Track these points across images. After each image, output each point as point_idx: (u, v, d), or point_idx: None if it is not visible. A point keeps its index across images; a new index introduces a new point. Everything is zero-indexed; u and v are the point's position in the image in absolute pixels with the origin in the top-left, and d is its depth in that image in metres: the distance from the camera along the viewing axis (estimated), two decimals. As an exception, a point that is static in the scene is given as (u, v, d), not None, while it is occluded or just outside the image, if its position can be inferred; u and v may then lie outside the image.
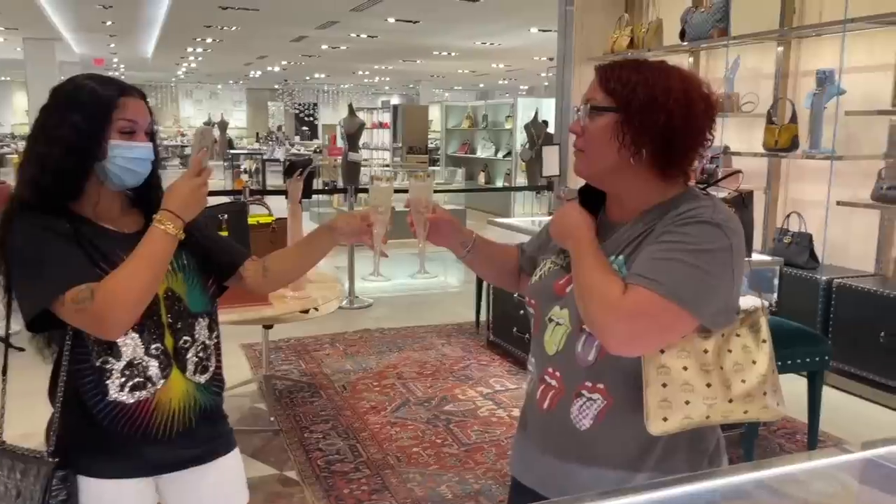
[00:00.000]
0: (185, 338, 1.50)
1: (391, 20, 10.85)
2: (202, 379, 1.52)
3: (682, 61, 5.41)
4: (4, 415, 1.51)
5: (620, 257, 1.27)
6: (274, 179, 14.35)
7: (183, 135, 24.82)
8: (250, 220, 3.03)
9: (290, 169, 2.99)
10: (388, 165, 14.85)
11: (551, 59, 15.31)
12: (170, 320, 1.48)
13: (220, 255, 1.61)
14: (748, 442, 3.00)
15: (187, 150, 22.93)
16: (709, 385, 1.19)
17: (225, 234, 2.67)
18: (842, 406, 3.83)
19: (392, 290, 6.87)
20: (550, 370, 1.33)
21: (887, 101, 4.01)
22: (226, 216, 2.73)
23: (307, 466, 3.19)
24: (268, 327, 3.83)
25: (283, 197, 3.19)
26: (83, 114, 1.39)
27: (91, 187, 1.44)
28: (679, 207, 1.24)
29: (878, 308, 3.78)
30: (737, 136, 4.95)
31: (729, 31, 4.75)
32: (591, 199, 1.37)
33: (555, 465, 1.31)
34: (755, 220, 3.63)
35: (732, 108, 4.74)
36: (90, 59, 18.39)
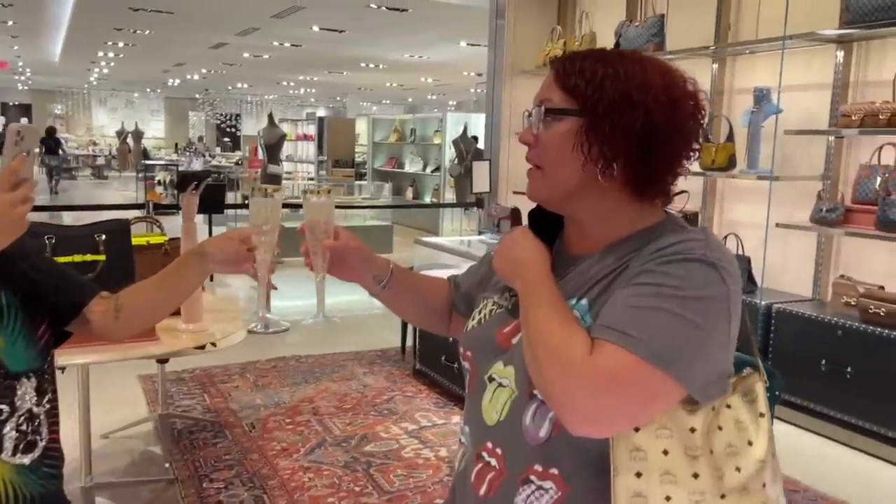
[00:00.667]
0: (2, 407, 1.13)
1: (315, 28, 10.47)
2: (26, 460, 1.15)
3: (616, 76, 5.25)
4: None
5: (584, 301, 0.97)
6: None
7: (95, 144, 23.63)
8: (137, 241, 2.61)
9: (184, 182, 2.58)
10: (312, 178, 14.38)
11: (480, 75, 15.22)
12: None
13: (56, 293, 1.24)
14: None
15: (99, 160, 21.84)
16: (696, 476, 0.90)
17: (100, 258, 2.25)
18: (782, 437, 3.65)
19: (311, 312, 6.45)
20: (490, 445, 1.02)
21: (824, 120, 3.91)
22: (103, 236, 2.31)
23: (204, 524, 2.77)
24: (162, 361, 3.38)
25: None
26: None
27: None
28: (661, 239, 0.95)
29: (818, 334, 3.64)
30: (671, 154, 4.80)
31: (664, 46, 4.61)
32: (544, 223, 1.07)
33: None
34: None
35: (668, 125, 4.58)
36: (-8, 62, 17.25)
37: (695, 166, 4.29)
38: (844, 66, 3.85)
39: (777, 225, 3.94)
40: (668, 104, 0.95)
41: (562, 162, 0.98)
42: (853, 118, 3.56)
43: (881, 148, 3.59)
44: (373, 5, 8.63)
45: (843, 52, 3.84)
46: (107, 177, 21.21)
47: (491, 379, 1.04)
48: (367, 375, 4.56)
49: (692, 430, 0.91)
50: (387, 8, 8.72)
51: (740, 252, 4.22)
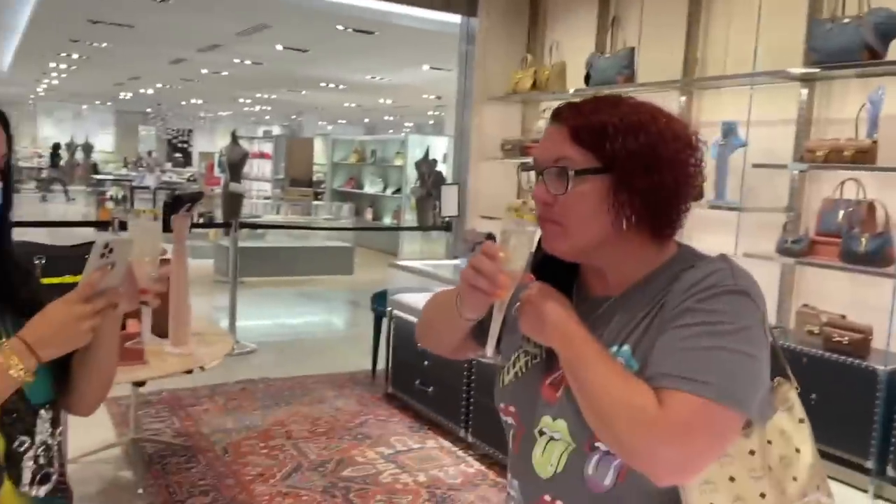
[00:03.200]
0: (22, 438, 1.11)
1: (279, 47, 10.43)
2: (42, 491, 1.13)
3: (585, 106, 5.36)
4: None
5: (625, 347, 0.99)
6: (143, 207, 13.38)
7: (40, 156, 22.92)
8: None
9: (177, 203, 2.55)
10: (269, 198, 14.22)
11: (440, 98, 15.36)
12: (1, 416, 1.08)
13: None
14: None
15: (44, 174, 21.18)
16: (763, 495, 0.95)
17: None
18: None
19: (277, 333, 6.38)
20: (547, 498, 1.03)
21: (788, 155, 4.07)
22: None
23: (183, 553, 2.70)
24: (139, 384, 3.31)
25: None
26: None
27: None
28: (688, 274, 0.98)
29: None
30: (640, 183, 4.93)
31: (635, 78, 4.74)
32: (552, 268, 1.07)
33: None
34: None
35: (638, 155, 4.70)
36: (-67, 68, 16.63)
37: (664, 195, 4.44)
38: (808, 104, 4.02)
39: (744, 255, 4.07)
40: (682, 151, 1.00)
41: (589, 219, 0.99)
42: (818, 153, 3.71)
43: (843, 183, 3.75)
44: (340, 27, 8.65)
45: (807, 90, 4.01)
46: (52, 190, 20.60)
47: (541, 433, 1.04)
48: (338, 399, 4.52)
49: (751, 452, 0.96)
50: (354, 30, 8.76)
51: (708, 280, 4.34)
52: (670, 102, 4.76)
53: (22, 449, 1.10)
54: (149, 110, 26.39)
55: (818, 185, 4.04)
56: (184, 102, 23.02)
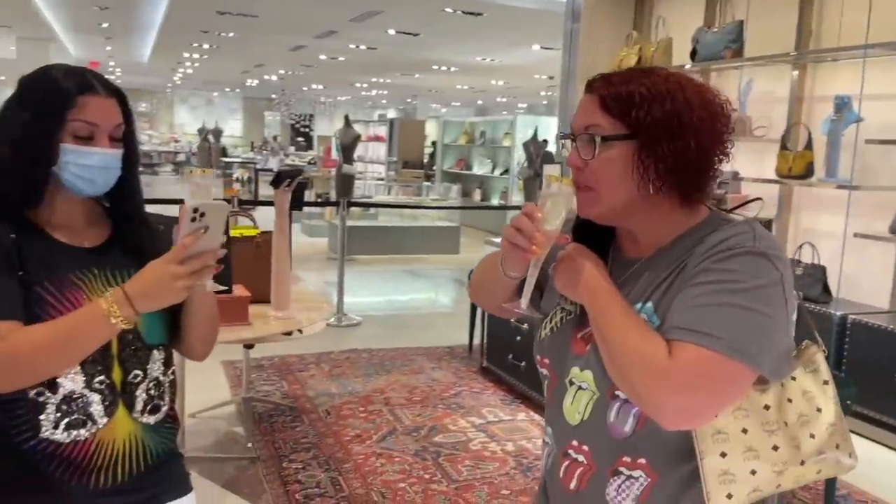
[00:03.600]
0: (136, 372, 1.28)
1: (391, 32, 10.69)
2: (152, 420, 1.31)
3: (691, 82, 5.23)
4: None
5: (649, 304, 1.04)
6: (267, 189, 14.16)
7: (176, 141, 24.60)
8: (232, 233, 2.80)
9: (278, 179, 2.76)
10: (381, 179, 14.66)
11: (552, 78, 15.22)
12: (120, 351, 1.26)
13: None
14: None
15: (180, 157, 22.74)
16: (776, 448, 0.99)
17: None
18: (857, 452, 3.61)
19: (382, 308, 6.64)
20: (575, 443, 1.10)
21: (907, 130, 3.83)
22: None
23: (284, 500, 2.95)
24: (249, 347, 3.59)
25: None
26: (35, 111, 1.20)
27: (49, 193, 1.23)
28: (711, 237, 1.02)
29: (894, 348, 3.57)
30: (748, 161, 4.76)
31: (743, 53, 4.58)
32: (592, 232, 1.13)
33: None
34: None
35: (744, 131, 4.55)
36: (86, 61, 18.17)
37: (770, 173, 4.29)
38: (931, 75, 3.77)
39: (855, 235, 3.88)
40: (709, 119, 1.03)
41: (617, 183, 1.04)
42: (938, 128, 3.49)
43: (968, 159, 3.51)
44: (448, 10, 8.77)
45: (929, 61, 3.76)
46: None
47: (571, 383, 1.12)
48: (435, 370, 4.69)
49: (766, 407, 1.00)
50: (462, 12, 8.86)
51: (815, 261, 4.17)
52: (781, 77, 4.58)
53: (136, 381, 1.28)
54: (273, 96, 27.67)
55: (941, 161, 3.79)
56: (305, 88, 23.99)
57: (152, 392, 1.31)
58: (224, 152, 20.45)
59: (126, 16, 10.95)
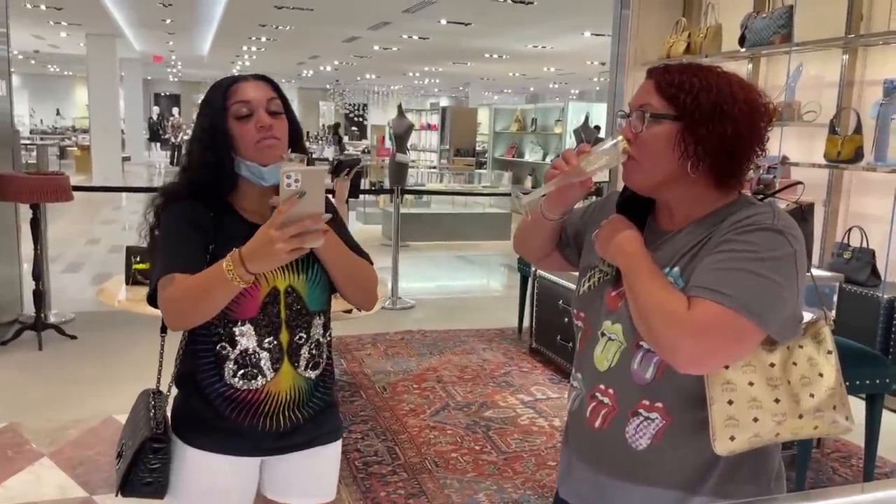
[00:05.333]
0: (301, 334, 1.50)
1: (443, 22, 10.85)
2: (313, 374, 1.53)
3: (742, 68, 5.25)
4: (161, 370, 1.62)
5: (676, 269, 1.20)
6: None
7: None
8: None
9: (338, 168, 2.97)
10: (434, 167, 14.86)
11: (603, 64, 15.14)
12: (287, 317, 1.48)
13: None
14: (801, 465, 2.88)
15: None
16: (777, 401, 1.13)
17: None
18: (901, 431, 3.65)
19: (435, 292, 6.85)
20: (602, 387, 1.26)
21: (960, 113, 3.82)
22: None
23: (345, 467, 3.17)
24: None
25: (331, 196, 3.17)
26: (206, 111, 1.47)
27: (241, 181, 1.48)
28: (736, 214, 1.17)
29: (943, 330, 3.60)
30: (796, 145, 4.78)
31: (792, 38, 4.59)
32: (635, 207, 1.30)
33: (607, 485, 1.26)
34: (814, 233, 3.49)
35: (793, 116, 4.58)
36: (150, 56, 18.86)
37: (819, 158, 4.31)
38: (984, 57, 3.75)
39: (903, 219, 3.89)
40: (748, 112, 1.18)
41: (660, 157, 1.20)
42: None
43: None
44: (499, -1, 8.89)
45: (982, 43, 3.74)
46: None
47: (602, 334, 1.28)
48: (486, 351, 4.87)
49: (771, 364, 1.14)
50: (513, 1, 8.96)
51: (864, 245, 4.19)
52: (831, 62, 4.59)
53: (300, 342, 1.50)
54: (328, 86, 28.16)
55: None
56: (359, 78, 24.37)
57: (314, 351, 1.52)
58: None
59: (187, 11, 11.37)
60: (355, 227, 10.10)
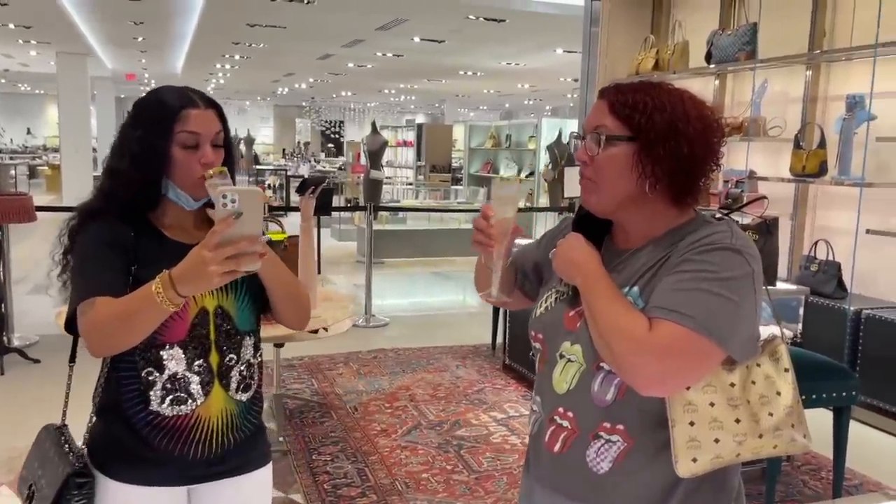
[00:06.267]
0: (231, 356, 1.46)
1: (417, 39, 10.89)
2: (244, 397, 1.49)
3: (709, 84, 5.32)
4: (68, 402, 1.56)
5: (635, 289, 1.19)
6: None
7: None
8: (262, 237, 2.98)
9: (303, 186, 2.95)
10: (410, 183, 14.86)
11: (576, 81, 15.30)
12: (217, 338, 1.44)
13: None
14: (771, 479, 2.88)
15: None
16: (738, 421, 1.13)
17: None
18: (869, 442, 3.68)
19: (409, 309, 6.81)
20: (561, 410, 1.24)
21: (921, 127, 3.89)
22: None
23: (313, 490, 3.12)
24: (279, 345, 3.78)
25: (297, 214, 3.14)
26: (147, 128, 1.40)
27: (164, 199, 1.43)
28: (694, 233, 1.17)
29: (908, 341, 3.64)
30: (763, 160, 4.84)
31: (756, 55, 4.66)
32: (591, 226, 1.28)
33: None
34: (780, 247, 3.52)
35: (759, 132, 4.64)
36: (122, 74, 18.70)
37: (786, 172, 4.37)
38: (941, 73, 3.82)
39: (868, 231, 3.95)
40: (702, 130, 1.18)
41: (617, 179, 1.19)
42: (947, 125, 3.55)
43: (978, 155, 3.56)
44: (472, 17, 8.93)
45: (939, 59, 3.82)
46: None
47: (561, 356, 1.26)
48: (459, 368, 4.85)
49: (731, 384, 1.14)
50: (485, 19, 9.02)
51: (830, 258, 4.24)
52: (795, 77, 4.66)
53: (231, 364, 1.46)
54: (304, 104, 28.12)
55: (954, 158, 3.84)
56: (335, 95, 24.37)
57: (245, 373, 1.48)
58: (256, 160, 20.86)
59: (159, 29, 11.31)
60: (330, 244, 10.05)
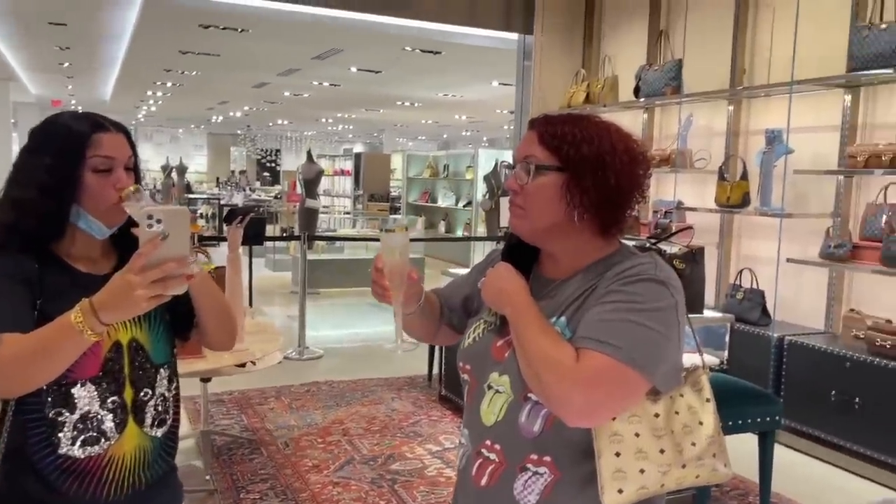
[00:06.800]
0: (146, 390, 1.39)
1: (353, 69, 10.90)
2: (159, 433, 1.41)
3: (638, 117, 5.48)
4: None
5: (562, 318, 1.19)
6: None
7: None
8: (187, 269, 2.89)
9: (231, 215, 2.87)
10: (348, 212, 14.77)
11: (512, 112, 15.58)
12: (132, 372, 1.37)
13: (185, 303, 1.42)
14: (701, 503, 2.91)
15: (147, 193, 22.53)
16: (662, 451, 1.13)
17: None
18: (794, 466, 3.77)
19: (344, 340, 6.71)
20: (489, 443, 1.23)
21: (834, 161, 4.07)
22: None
23: (240, 531, 3.00)
24: (205, 380, 3.65)
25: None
26: (55, 153, 1.33)
27: (70, 228, 1.35)
28: (619, 265, 1.18)
29: (828, 366, 3.77)
30: (690, 191, 4.99)
31: (682, 89, 4.83)
32: (520, 255, 1.29)
33: None
34: (707, 275, 3.61)
35: (685, 164, 4.78)
36: (47, 100, 18.10)
37: (712, 203, 4.50)
38: (852, 109, 4.03)
39: (788, 260, 4.09)
40: (629, 163, 1.20)
41: (547, 207, 1.20)
42: (858, 159, 3.73)
43: (887, 187, 3.74)
44: (408, 48, 9.01)
45: (850, 96, 4.02)
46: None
47: (489, 387, 1.24)
48: (395, 400, 4.78)
49: (656, 415, 1.14)
50: (421, 51, 9.10)
51: (754, 286, 4.38)
52: (718, 112, 4.83)
53: (146, 398, 1.39)
54: (239, 132, 27.74)
55: (866, 190, 4.03)
56: (271, 124, 24.12)
57: (160, 407, 1.41)
58: (189, 188, 20.41)
59: (87, 55, 11.01)
60: (264, 274, 9.85)
